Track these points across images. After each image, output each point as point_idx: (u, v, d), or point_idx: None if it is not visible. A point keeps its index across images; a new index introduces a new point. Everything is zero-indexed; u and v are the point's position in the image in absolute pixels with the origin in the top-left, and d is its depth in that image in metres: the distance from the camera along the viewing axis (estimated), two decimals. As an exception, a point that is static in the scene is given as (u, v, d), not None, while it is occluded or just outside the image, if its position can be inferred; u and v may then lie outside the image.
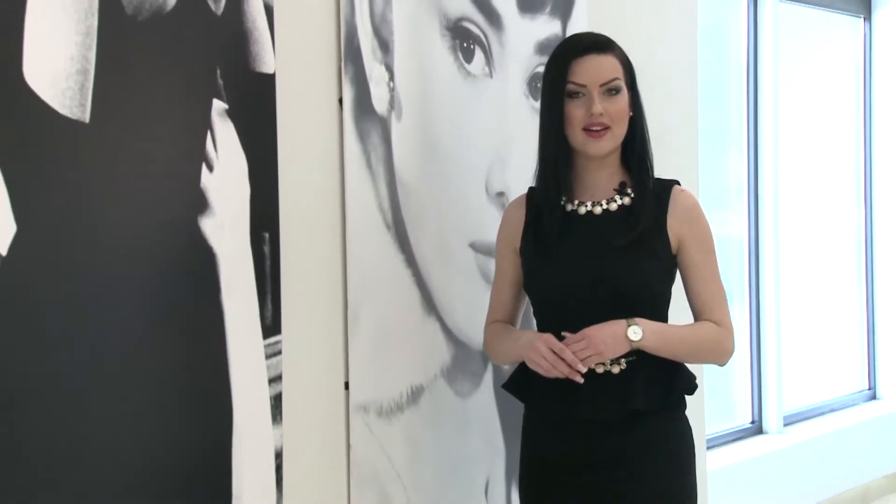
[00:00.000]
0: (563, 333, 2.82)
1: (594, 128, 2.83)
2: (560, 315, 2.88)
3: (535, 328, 2.99)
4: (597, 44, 2.87)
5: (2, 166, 2.23)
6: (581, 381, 2.77)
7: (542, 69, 3.71)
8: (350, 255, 3.05)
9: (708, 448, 4.81)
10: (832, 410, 6.87)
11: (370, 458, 3.11)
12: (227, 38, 2.72)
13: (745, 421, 6.38)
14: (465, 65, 3.38)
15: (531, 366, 2.83)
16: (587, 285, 2.84)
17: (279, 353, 2.86)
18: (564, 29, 3.76)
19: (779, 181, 6.35)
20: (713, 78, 6.05)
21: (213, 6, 2.67)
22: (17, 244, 2.26)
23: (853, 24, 7.08)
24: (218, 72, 2.69)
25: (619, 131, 2.87)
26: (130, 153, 2.51)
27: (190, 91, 2.64)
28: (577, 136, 2.86)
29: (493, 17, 3.46)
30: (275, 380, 2.85)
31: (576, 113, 2.84)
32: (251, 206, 2.78)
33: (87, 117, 2.39)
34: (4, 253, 2.24)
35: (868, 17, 7.06)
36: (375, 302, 3.12)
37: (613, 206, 2.90)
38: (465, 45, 3.36)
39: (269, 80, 2.82)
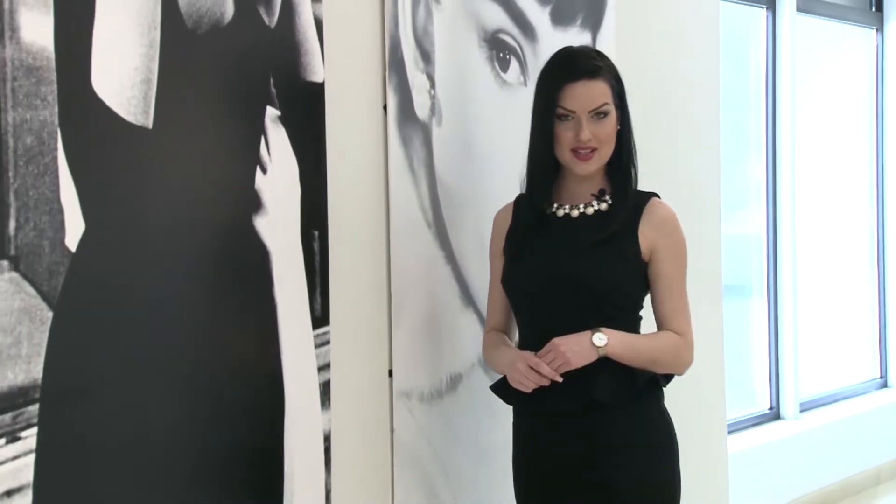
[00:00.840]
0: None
1: (582, 151, 2.79)
2: (533, 311, 2.86)
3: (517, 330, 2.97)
4: (588, 70, 2.80)
5: (72, 169, 2.24)
6: (560, 379, 2.72)
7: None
8: (393, 251, 3.05)
9: (729, 433, 4.79)
10: (845, 398, 6.84)
11: (412, 441, 3.12)
12: (280, 50, 2.73)
13: (763, 407, 6.36)
14: (501, 74, 3.37)
15: (515, 385, 2.80)
16: (557, 281, 2.80)
17: (328, 342, 2.87)
18: (594, 40, 3.75)
19: (795, 182, 6.32)
20: (734, 86, 6.02)
21: (266, 20, 2.68)
22: (86, 241, 2.27)
23: (866, 36, 7.05)
24: (271, 81, 2.70)
25: (606, 152, 2.83)
26: (190, 156, 2.52)
27: (245, 99, 2.65)
28: (564, 155, 2.82)
29: (527, 30, 3.45)
30: (323, 368, 2.86)
31: (565, 135, 2.79)
32: (302, 206, 2.79)
33: (150, 123, 2.39)
34: (74, 249, 2.25)
35: (880, 29, 7.03)
36: (417, 295, 3.13)
37: (590, 210, 2.86)
38: (501, 55, 3.36)
39: (319, 88, 2.83)
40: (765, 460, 5.85)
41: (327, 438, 2.87)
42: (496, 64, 3.34)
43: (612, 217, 2.83)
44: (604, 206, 2.86)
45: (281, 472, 2.73)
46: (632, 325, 2.86)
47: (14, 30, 2.13)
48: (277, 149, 2.71)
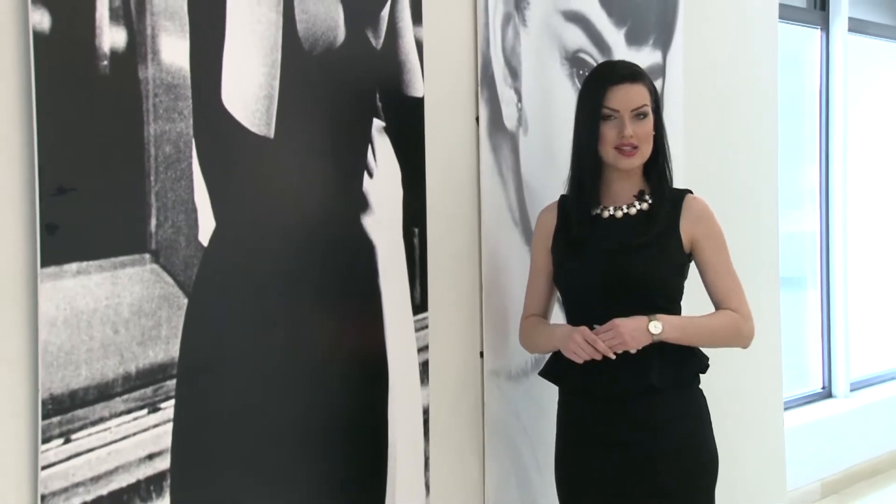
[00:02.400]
0: (594, 326, 2.74)
1: (625, 147, 2.75)
2: (585, 305, 2.80)
3: (564, 319, 2.92)
4: (630, 74, 2.80)
5: (205, 174, 2.26)
6: (613, 356, 2.69)
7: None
8: (484, 246, 3.04)
9: (785, 409, 4.72)
10: (893, 378, 6.73)
11: (501, 415, 3.11)
12: (385, 68, 2.73)
13: (816, 387, 6.28)
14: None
15: (568, 355, 2.75)
16: (609, 278, 2.75)
17: (426, 327, 2.87)
18: (665, 58, 3.71)
19: (847, 184, 6.24)
20: (791, 99, 5.94)
21: (373, 42, 2.69)
22: (216, 238, 2.29)
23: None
24: (377, 96, 2.70)
25: (646, 149, 2.79)
26: (306, 163, 2.53)
27: (354, 112, 2.65)
28: (608, 153, 2.78)
29: (604, 49, 3.42)
30: (422, 349, 2.86)
31: (609, 133, 2.76)
32: (404, 206, 2.79)
33: (271, 134, 2.41)
34: (206, 244, 2.27)
35: (925, 46, 6.90)
36: (505, 285, 3.12)
37: (633, 211, 2.82)
38: (580, 72, 3.33)
39: (419, 102, 2.83)
40: (818, 434, 5.77)
41: (426, 411, 2.87)
42: (576, 80, 3.32)
43: (655, 216, 2.80)
44: (645, 205, 2.82)
45: (385, 441, 2.73)
46: (673, 308, 2.82)
47: (155, 52, 2.15)
48: (382, 156, 2.72)
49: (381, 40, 2.70)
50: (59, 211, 1.99)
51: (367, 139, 2.68)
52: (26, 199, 1.96)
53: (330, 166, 2.59)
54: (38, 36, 1.96)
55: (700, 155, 3.95)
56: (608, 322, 2.71)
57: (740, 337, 2.84)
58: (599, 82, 2.81)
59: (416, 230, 2.82)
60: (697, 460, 2.79)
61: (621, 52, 3.48)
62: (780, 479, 4.52)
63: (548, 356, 2.92)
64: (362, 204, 2.66)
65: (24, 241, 1.96)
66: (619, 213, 2.82)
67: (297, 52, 2.47)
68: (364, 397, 2.69)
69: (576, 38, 3.32)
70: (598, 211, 2.83)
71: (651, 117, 2.79)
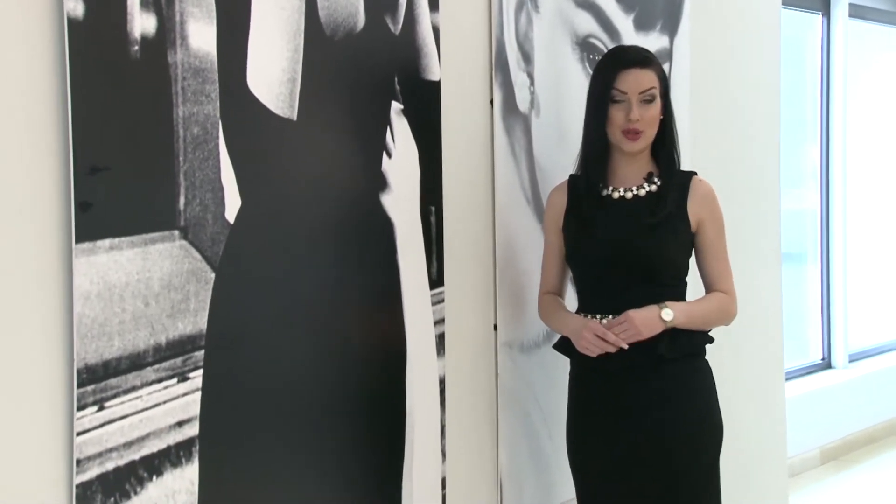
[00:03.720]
0: (602, 319, 2.76)
1: (630, 131, 2.75)
2: (597, 281, 2.81)
3: (576, 296, 2.92)
4: (641, 59, 2.80)
5: (231, 154, 2.26)
6: (626, 347, 2.70)
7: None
8: (498, 223, 3.04)
9: (786, 380, 4.72)
10: (890, 350, 6.72)
11: (514, 385, 3.11)
12: (403, 53, 2.72)
13: (816, 358, 6.27)
14: (591, 72, 3.33)
15: (582, 351, 2.77)
16: (621, 257, 2.76)
17: (442, 301, 2.87)
18: (671, 42, 3.69)
19: (846, 164, 6.22)
20: (793, 82, 5.91)
21: (392, 28, 2.68)
22: (242, 215, 2.29)
23: (910, 36, 6.88)
24: (395, 79, 2.70)
25: (651, 133, 2.79)
26: (328, 143, 2.53)
27: (374, 95, 2.65)
28: (615, 135, 2.78)
29: (614, 34, 3.41)
30: (439, 322, 2.86)
31: (617, 115, 2.76)
32: (421, 185, 2.79)
33: (294, 116, 2.41)
34: (233, 221, 2.28)
35: (923, 30, 6.85)
36: (518, 261, 3.12)
37: (642, 192, 2.81)
38: (591, 56, 3.32)
39: (436, 86, 2.82)
40: (817, 404, 5.77)
41: (442, 381, 2.87)
42: (586, 64, 3.30)
43: (664, 197, 2.79)
44: (654, 187, 2.81)
45: (403, 410, 2.74)
46: (681, 288, 2.84)
47: (184, 38, 2.15)
48: (401, 137, 2.72)
49: (400, 26, 2.70)
50: (93, 189, 1.99)
51: (386, 121, 2.67)
52: (61, 178, 1.97)
53: (350, 147, 2.59)
54: (73, 22, 1.96)
55: (705, 136, 3.94)
56: (621, 315, 2.72)
57: (728, 317, 2.88)
58: (611, 66, 2.80)
59: (433, 208, 2.82)
60: (703, 428, 2.80)
61: (630, 37, 3.47)
62: (781, 446, 4.52)
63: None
64: (381, 183, 2.66)
65: (60, 218, 1.97)
66: (629, 195, 2.81)
67: (318, 38, 2.46)
68: (383, 368, 2.70)
69: (586, 23, 3.30)
70: (609, 192, 2.83)
71: (658, 102, 2.78)
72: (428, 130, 2.80)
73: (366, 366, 2.65)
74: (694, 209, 2.80)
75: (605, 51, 3.19)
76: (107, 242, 2.02)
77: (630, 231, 2.77)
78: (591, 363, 2.80)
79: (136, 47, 2.06)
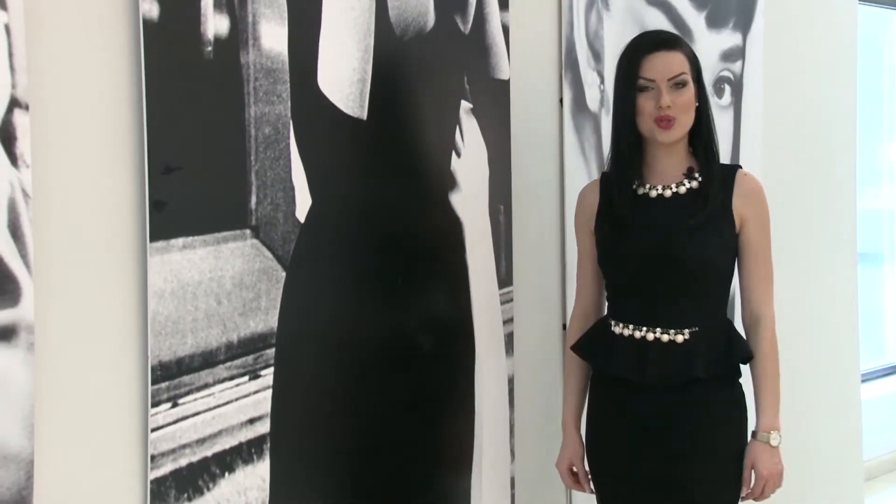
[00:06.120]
0: (633, 331, 2.51)
1: (663, 119, 2.46)
2: (632, 287, 2.53)
3: (606, 304, 2.63)
4: (665, 41, 2.51)
5: (301, 154, 2.29)
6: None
7: (725, 73, 3.62)
8: (568, 223, 3.04)
9: (861, 382, 4.64)
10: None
11: (582, 385, 3.08)
12: (473, 52, 2.73)
13: (893, 359, 6.19)
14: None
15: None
16: (658, 261, 2.47)
17: (511, 300, 2.87)
18: (745, 40, 3.65)
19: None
20: (870, 78, 5.83)
21: (461, 27, 2.69)
22: (312, 214, 2.31)
23: None
24: (465, 78, 2.71)
25: (686, 120, 2.49)
26: (397, 143, 2.55)
27: (443, 94, 2.66)
28: (647, 126, 2.48)
29: (685, 32, 3.38)
30: (507, 321, 2.86)
31: (646, 105, 2.46)
32: (490, 185, 2.80)
33: (364, 115, 2.43)
34: (303, 220, 2.30)
35: None
36: (588, 261, 3.10)
37: (682, 190, 2.52)
38: (662, 54, 3.29)
39: (505, 85, 2.83)
40: (894, 406, 5.68)
41: (511, 381, 2.88)
42: (657, 62, 3.28)
43: (706, 196, 2.51)
44: (695, 184, 2.53)
45: (473, 409, 2.75)
46: (725, 298, 2.57)
47: (256, 38, 2.18)
48: (470, 136, 2.72)
49: (469, 25, 2.71)
50: (167, 189, 2.03)
51: (455, 120, 2.68)
52: (136, 177, 2.00)
53: (419, 146, 2.61)
54: (148, 24, 1.99)
55: (779, 134, 3.89)
56: (753, 481, 2.50)
57: (776, 350, 2.58)
58: (634, 52, 2.53)
59: (502, 207, 2.82)
60: (732, 466, 2.54)
61: (702, 34, 3.44)
62: (857, 449, 4.45)
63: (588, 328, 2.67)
64: (450, 182, 2.67)
65: (135, 217, 2.01)
66: (668, 193, 2.53)
67: (388, 38, 2.48)
68: (453, 367, 2.71)
69: (657, 21, 3.28)
70: (646, 190, 2.55)
71: (692, 86, 2.50)
72: (497, 129, 2.81)
73: (435, 365, 2.66)
74: (739, 206, 2.53)
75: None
76: (180, 241, 2.05)
77: (669, 233, 2.49)
78: (619, 378, 2.56)
79: (210, 48, 2.10)
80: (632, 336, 2.52)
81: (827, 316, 4.16)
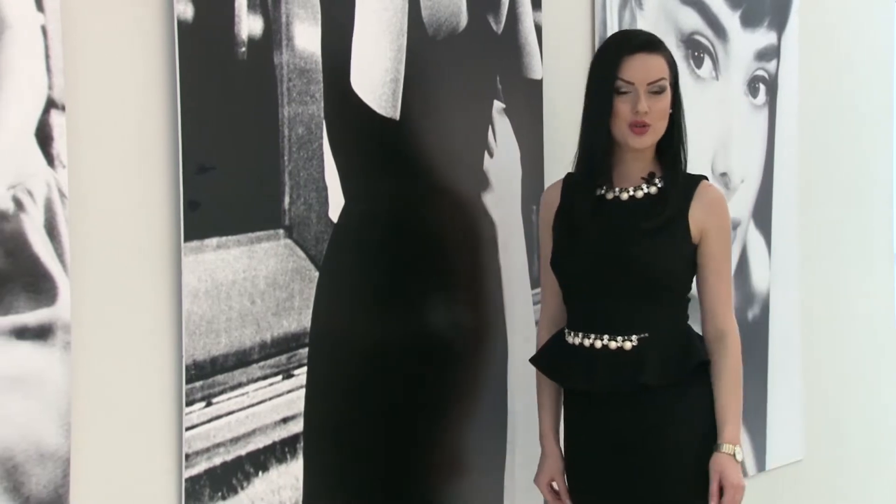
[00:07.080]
0: (592, 340, 2.44)
1: (638, 124, 2.40)
2: (585, 293, 2.46)
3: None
4: (648, 43, 2.44)
5: (334, 154, 2.30)
6: None
7: (760, 73, 3.60)
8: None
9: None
10: None
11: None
12: (505, 52, 2.73)
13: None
14: (696, 70, 3.31)
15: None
16: (610, 264, 2.40)
17: (544, 300, 2.87)
18: (780, 39, 3.64)
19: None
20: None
21: (494, 27, 2.69)
22: (346, 214, 2.32)
23: None
24: (497, 78, 2.71)
25: (660, 127, 2.43)
26: (430, 143, 2.55)
27: (476, 94, 2.66)
28: (620, 130, 2.41)
29: (720, 31, 3.38)
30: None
31: (622, 108, 2.39)
32: (522, 184, 2.80)
33: (397, 115, 2.44)
34: (336, 220, 2.31)
35: None
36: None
37: (640, 194, 2.44)
38: (696, 54, 3.29)
39: (538, 84, 2.83)
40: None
41: (544, 382, 2.87)
42: (691, 61, 3.28)
43: (665, 201, 2.43)
44: (654, 189, 2.45)
45: (505, 410, 2.75)
46: (680, 306, 2.49)
47: (290, 39, 2.20)
48: (502, 136, 2.73)
49: (502, 25, 2.71)
50: (201, 189, 2.04)
51: (488, 120, 2.69)
52: (170, 177, 2.02)
53: (452, 146, 2.61)
54: (182, 25, 2.01)
55: (815, 135, 3.87)
56: (728, 489, 2.40)
57: (740, 365, 2.49)
58: (614, 52, 2.44)
59: (535, 207, 2.82)
60: (699, 471, 2.44)
61: (736, 33, 3.43)
62: (894, 450, 4.42)
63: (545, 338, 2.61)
64: (483, 182, 2.68)
65: (169, 217, 2.02)
66: (625, 196, 2.45)
67: (421, 37, 2.49)
68: (485, 368, 2.71)
69: (691, 20, 3.28)
70: (602, 192, 2.47)
71: (669, 93, 2.43)
72: (530, 129, 2.81)
73: (467, 365, 2.67)
74: (697, 215, 2.44)
75: (710, 48, 3.15)
76: (214, 241, 2.07)
77: (620, 236, 2.42)
78: (573, 388, 2.52)
79: (244, 48, 2.11)
80: (582, 344, 2.46)
81: (864, 317, 4.13)
